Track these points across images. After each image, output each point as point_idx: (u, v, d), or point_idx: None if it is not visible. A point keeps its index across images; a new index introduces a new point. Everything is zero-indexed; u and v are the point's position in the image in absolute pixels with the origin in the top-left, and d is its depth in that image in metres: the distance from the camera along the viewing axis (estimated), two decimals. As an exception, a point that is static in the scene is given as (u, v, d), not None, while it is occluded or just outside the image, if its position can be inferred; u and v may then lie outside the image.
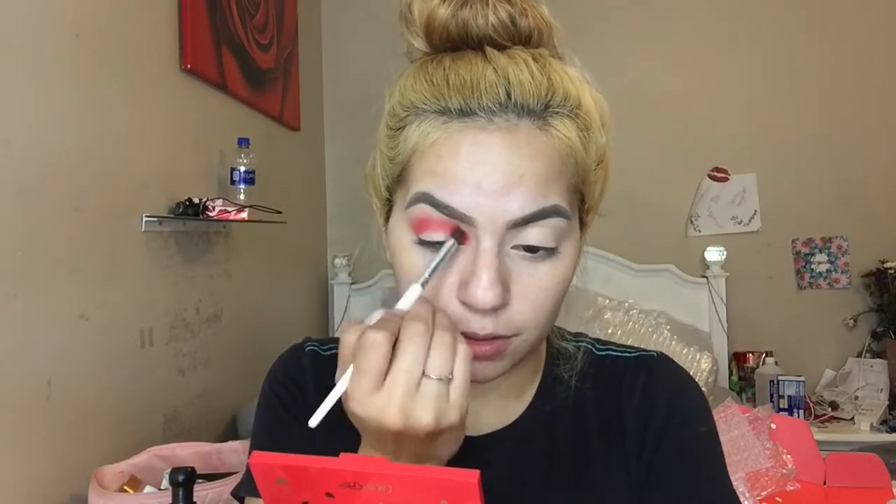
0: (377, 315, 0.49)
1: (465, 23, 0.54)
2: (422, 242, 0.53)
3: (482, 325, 0.52)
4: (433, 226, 0.52)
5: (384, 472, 0.40)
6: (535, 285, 0.53)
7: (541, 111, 0.52)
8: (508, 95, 0.51)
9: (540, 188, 0.51)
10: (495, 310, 0.51)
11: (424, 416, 0.45)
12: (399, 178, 0.55)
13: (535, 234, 0.52)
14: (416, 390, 0.46)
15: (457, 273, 0.52)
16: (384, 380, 0.46)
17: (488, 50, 0.54)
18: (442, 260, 0.51)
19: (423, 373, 0.46)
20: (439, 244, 0.52)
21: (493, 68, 0.52)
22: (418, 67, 0.56)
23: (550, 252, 0.53)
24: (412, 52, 0.58)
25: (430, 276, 0.51)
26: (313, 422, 0.47)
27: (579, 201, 0.56)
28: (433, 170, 0.52)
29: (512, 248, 0.52)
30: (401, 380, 0.45)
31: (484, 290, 0.50)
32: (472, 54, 0.54)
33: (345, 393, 0.47)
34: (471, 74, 0.52)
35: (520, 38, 0.55)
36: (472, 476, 0.39)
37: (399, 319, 0.47)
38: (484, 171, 0.50)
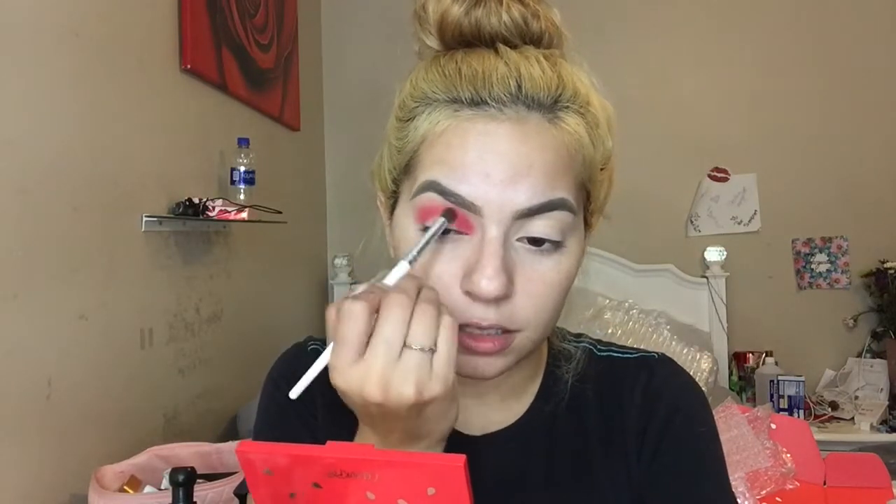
0: (361, 288, 0.48)
1: (478, 21, 0.55)
2: (425, 229, 0.52)
3: (485, 316, 0.52)
4: (437, 212, 0.52)
5: (370, 459, 0.40)
6: (539, 279, 0.53)
7: (550, 105, 0.53)
8: (519, 87, 0.52)
9: (548, 180, 0.52)
10: (498, 300, 0.51)
11: (405, 387, 0.44)
12: (406, 168, 0.56)
13: (542, 226, 0.52)
14: (397, 361, 0.45)
15: (460, 263, 0.52)
16: (365, 350, 0.45)
17: (500, 46, 0.54)
18: (432, 237, 0.51)
19: (405, 344, 0.45)
20: (445, 230, 0.52)
21: (505, 62, 0.53)
22: (430, 61, 0.56)
23: (556, 246, 0.53)
24: (424, 51, 0.59)
25: (418, 253, 0.50)
26: (294, 393, 0.47)
27: (585, 199, 0.57)
28: (442, 158, 0.52)
29: (517, 240, 0.52)
30: (380, 350, 0.44)
31: (488, 279, 0.50)
32: (484, 50, 0.55)
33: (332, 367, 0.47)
34: (483, 66, 0.53)
35: (531, 38, 0.56)
36: (458, 460, 0.38)
37: (381, 292, 0.47)
38: (493, 161, 0.51)
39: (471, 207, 0.51)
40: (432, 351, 0.45)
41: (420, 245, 0.50)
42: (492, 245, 0.51)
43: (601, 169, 0.57)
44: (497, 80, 0.52)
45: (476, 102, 0.52)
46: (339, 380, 0.46)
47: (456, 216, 0.52)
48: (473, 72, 0.53)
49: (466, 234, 0.52)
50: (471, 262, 0.52)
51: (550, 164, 0.52)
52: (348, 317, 0.45)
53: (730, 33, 2.85)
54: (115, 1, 1.49)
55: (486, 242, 0.51)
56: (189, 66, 1.77)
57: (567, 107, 0.53)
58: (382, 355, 0.44)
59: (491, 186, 0.50)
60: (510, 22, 0.54)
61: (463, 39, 0.56)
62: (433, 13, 0.56)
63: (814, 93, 2.80)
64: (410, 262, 0.50)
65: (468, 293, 0.52)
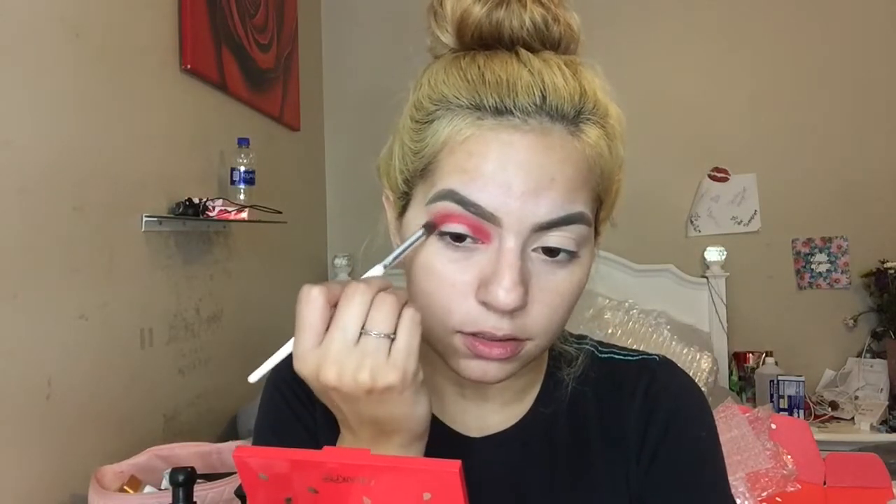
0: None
1: (499, 23, 0.54)
2: (441, 235, 0.52)
3: (499, 326, 0.52)
4: (455, 219, 0.51)
5: (365, 464, 0.40)
6: (553, 289, 0.53)
7: (573, 117, 0.52)
8: (544, 98, 0.51)
9: (568, 193, 0.51)
10: (514, 311, 0.51)
11: (359, 373, 0.45)
12: (423, 172, 0.55)
13: (559, 239, 0.52)
14: (354, 346, 0.46)
15: (476, 272, 0.52)
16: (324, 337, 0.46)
17: (521, 51, 0.53)
18: (409, 247, 0.51)
19: (364, 331, 0.46)
20: (460, 237, 0.52)
21: (529, 70, 0.52)
22: (450, 62, 0.55)
23: (571, 257, 0.53)
24: (436, 48, 0.58)
25: (394, 259, 0.52)
26: (252, 377, 0.48)
27: (598, 209, 0.56)
28: (463, 166, 0.51)
29: (533, 250, 0.52)
30: (336, 335, 0.46)
31: (506, 291, 0.50)
32: (505, 54, 0.54)
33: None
34: (507, 74, 0.52)
35: (551, 42, 0.55)
36: (453, 466, 0.38)
37: (345, 284, 0.47)
38: (514, 172, 0.50)
39: (490, 218, 0.50)
40: (391, 339, 0.46)
41: (396, 254, 0.51)
42: (510, 256, 0.50)
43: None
44: (522, 90, 0.51)
45: (500, 111, 0.51)
46: (299, 365, 0.47)
47: (436, 229, 0.52)
48: (498, 79, 0.51)
49: (483, 243, 0.52)
50: (486, 272, 0.51)
51: (571, 178, 0.51)
52: (305, 302, 0.47)
53: (730, 34, 2.85)
54: (115, 1, 1.49)
55: (504, 253, 0.51)
56: (189, 66, 1.77)
57: (589, 119, 0.53)
58: (338, 340, 0.46)
59: (511, 198, 0.50)
60: (532, 25, 0.53)
61: (482, 40, 0.55)
62: (452, 11, 0.55)
63: (814, 93, 2.80)
64: (385, 267, 0.51)
65: (484, 303, 0.51)
